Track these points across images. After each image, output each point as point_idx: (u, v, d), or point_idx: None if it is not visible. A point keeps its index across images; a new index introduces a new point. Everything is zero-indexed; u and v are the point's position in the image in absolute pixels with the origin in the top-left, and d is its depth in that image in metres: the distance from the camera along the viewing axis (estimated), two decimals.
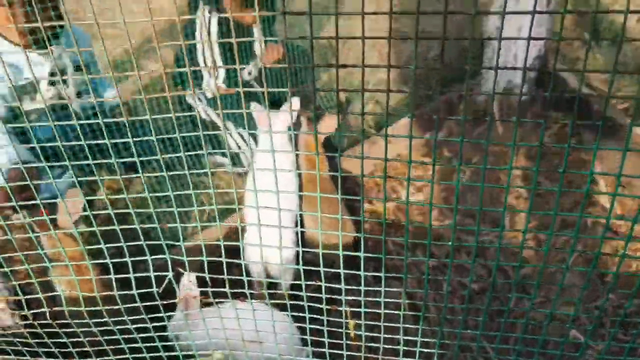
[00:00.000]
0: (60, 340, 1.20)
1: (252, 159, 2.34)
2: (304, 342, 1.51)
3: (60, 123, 0.82)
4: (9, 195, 0.99)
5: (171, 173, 0.87)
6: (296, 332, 1.55)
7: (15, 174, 1.79)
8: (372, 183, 2.42)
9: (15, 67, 2.10)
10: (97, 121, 0.79)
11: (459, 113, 2.59)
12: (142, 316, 1.13)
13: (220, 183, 2.46)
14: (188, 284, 1.55)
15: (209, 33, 2.35)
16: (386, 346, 1.15)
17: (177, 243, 1.08)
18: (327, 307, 1.06)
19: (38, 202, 0.90)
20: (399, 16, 3.25)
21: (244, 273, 1.06)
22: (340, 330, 1.19)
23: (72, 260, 1.38)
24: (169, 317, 1.38)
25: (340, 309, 1.06)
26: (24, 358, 1.27)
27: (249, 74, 2.62)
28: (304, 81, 2.79)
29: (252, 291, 1.09)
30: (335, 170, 2.22)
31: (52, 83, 2.21)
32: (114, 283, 1.04)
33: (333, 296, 1.11)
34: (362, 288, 1.00)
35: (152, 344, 1.20)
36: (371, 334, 1.17)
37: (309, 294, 1.08)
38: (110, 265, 1.02)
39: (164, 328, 1.30)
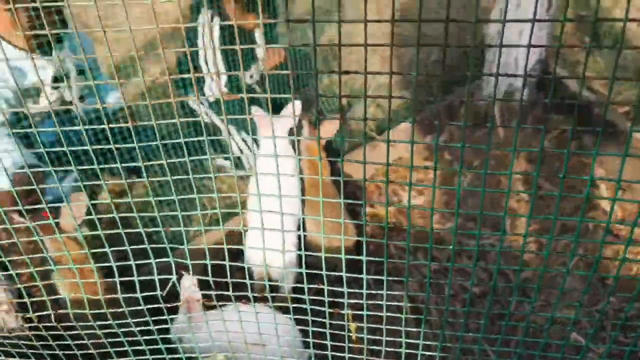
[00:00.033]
0: (64, 342, 1.21)
1: (254, 162, 2.35)
2: (306, 345, 1.52)
3: (68, 128, 0.83)
4: (13, 198, 1.00)
5: (176, 177, 0.88)
6: (298, 335, 1.55)
7: (19, 177, 1.80)
8: (374, 186, 2.43)
9: (19, 70, 2.12)
10: (103, 126, 0.80)
11: (460, 116, 2.60)
12: (146, 319, 1.14)
13: (222, 186, 2.47)
14: (190, 286, 1.56)
15: (211, 37, 2.37)
16: (388, 349, 1.16)
17: (179, 246, 1.09)
18: (330, 310, 1.07)
19: (44, 206, 0.91)
20: (400, 22, 3.25)
21: (247, 276, 1.07)
22: (342, 333, 1.19)
23: (75, 264, 1.38)
24: (172, 320, 1.39)
25: (343, 312, 1.07)
26: None
27: (251, 77, 2.64)
28: (305, 84, 2.80)
29: (255, 294, 1.10)
30: (336, 173, 2.23)
31: (55, 87, 2.23)
32: (118, 286, 1.05)
33: (335, 299, 1.12)
34: (364, 291, 1.01)
35: (155, 347, 1.20)
36: (373, 337, 1.18)
37: (310, 297, 1.08)
38: (115, 269, 1.03)
39: (167, 331, 1.31)
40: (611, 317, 1.77)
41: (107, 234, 1.01)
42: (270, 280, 1.88)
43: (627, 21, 0.60)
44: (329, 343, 1.18)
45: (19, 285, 1.10)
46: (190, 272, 1.53)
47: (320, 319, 1.16)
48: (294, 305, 1.15)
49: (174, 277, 0.99)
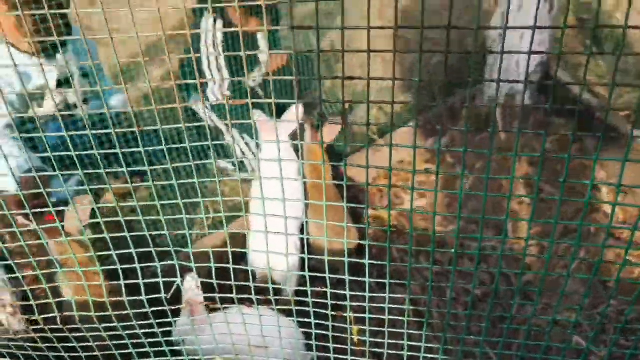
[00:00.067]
0: (67, 344, 1.22)
1: (257, 165, 2.36)
2: (309, 348, 1.52)
3: (77, 133, 0.84)
4: (18, 202, 1.01)
5: (181, 182, 0.89)
6: (301, 338, 1.56)
7: (25, 180, 1.81)
8: (375, 189, 2.44)
9: (24, 73, 2.13)
10: (109, 131, 0.81)
11: (461, 118, 2.61)
12: (150, 321, 1.14)
13: (224, 189, 2.48)
14: (192, 288, 1.57)
15: (214, 41, 2.38)
16: (390, 352, 1.16)
17: (182, 249, 1.10)
18: (333, 313, 1.08)
19: (51, 209, 0.92)
20: (402, 22, 3.27)
21: (251, 279, 1.08)
22: (344, 335, 1.20)
23: (79, 266, 1.39)
24: (174, 323, 1.40)
25: (345, 315, 1.08)
26: None
27: (254, 80, 2.65)
28: (307, 87, 2.81)
29: (258, 297, 1.11)
30: (338, 176, 2.24)
31: (59, 90, 2.24)
32: (123, 289, 1.06)
33: (337, 302, 1.13)
34: (367, 294, 1.01)
35: (160, 349, 1.21)
36: (375, 340, 1.18)
37: (313, 300, 1.09)
38: (120, 271, 1.04)
39: (169, 333, 1.31)
40: (613, 320, 1.78)
41: (110, 236, 1.01)
42: (273, 283, 1.89)
43: (627, 28, 0.61)
44: (331, 346, 1.19)
45: (24, 288, 1.11)
46: (194, 275, 1.54)
47: (322, 322, 1.17)
48: (297, 308, 1.16)
49: (178, 280, 1.00)
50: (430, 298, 1.01)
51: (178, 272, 1.04)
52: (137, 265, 1.02)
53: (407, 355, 1.15)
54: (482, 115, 2.67)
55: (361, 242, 1.08)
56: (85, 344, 1.22)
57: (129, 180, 0.92)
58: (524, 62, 2.45)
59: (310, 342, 1.23)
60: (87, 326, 1.18)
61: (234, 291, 1.07)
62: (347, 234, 1.09)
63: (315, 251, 1.99)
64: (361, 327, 1.20)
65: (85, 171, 0.87)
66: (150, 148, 0.85)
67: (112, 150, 0.86)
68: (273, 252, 1.06)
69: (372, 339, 1.15)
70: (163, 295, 1.06)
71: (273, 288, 1.55)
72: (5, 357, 1.30)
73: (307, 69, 2.76)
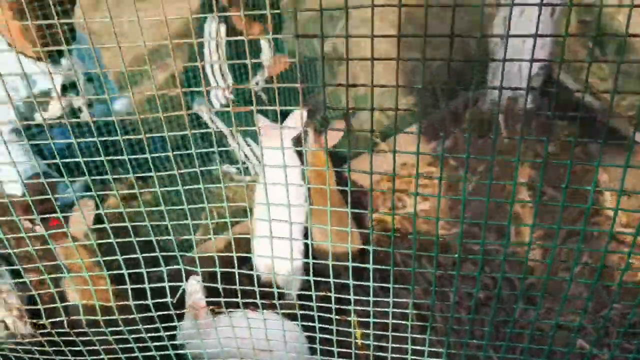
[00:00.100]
0: (74, 348, 1.23)
1: (260, 169, 2.37)
2: (312, 351, 1.53)
3: (84, 140, 0.85)
4: (24, 206, 1.02)
5: (187, 187, 0.90)
6: (305, 342, 1.57)
7: (30, 185, 1.82)
8: (378, 191, 2.44)
9: (25, 76, 2.14)
10: (117, 138, 0.82)
11: (464, 121, 2.61)
12: (156, 325, 1.15)
13: (227, 193, 2.49)
14: (195, 292, 1.58)
15: (217, 45, 2.39)
16: (394, 355, 1.17)
17: (185, 253, 1.11)
18: (337, 317, 1.09)
19: (59, 215, 0.93)
20: (404, 25, 3.28)
21: (256, 283, 1.09)
22: (348, 339, 1.21)
23: (82, 271, 1.40)
24: (176, 327, 1.40)
25: (349, 318, 1.08)
26: None
27: (256, 84, 2.66)
28: (310, 90, 2.83)
29: (263, 301, 1.12)
30: (340, 179, 2.25)
31: (63, 94, 2.26)
32: (129, 292, 1.06)
33: (340, 306, 1.13)
34: (371, 299, 1.02)
35: (165, 352, 1.22)
36: (379, 344, 1.19)
37: (317, 304, 1.10)
38: (127, 275, 1.05)
39: (173, 337, 1.32)
40: (616, 323, 1.78)
41: (109, 241, 1.02)
42: (275, 286, 1.90)
43: (628, 36, 0.62)
44: (335, 350, 1.19)
45: (32, 292, 1.12)
46: (197, 278, 1.55)
47: (325, 325, 1.17)
48: (300, 312, 1.16)
49: (184, 284, 1.01)
50: (433, 302, 1.01)
51: (184, 276, 1.05)
52: (143, 270, 1.03)
53: (411, 359, 1.16)
54: (485, 118, 2.67)
55: (365, 247, 1.09)
56: (89, 348, 1.23)
57: (135, 185, 0.93)
58: (526, 64, 2.45)
59: (314, 345, 1.23)
60: (91, 330, 1.19)
61: (239, 295, 1.08)
62: (348, 237, 1.10)
63: (318, 255, 2.00)
64: (364, 331, 1.21)
65: (93, 177, 0.88)
66: (157, 154, 0.86)
67: (120, 157, 0.87)
68: (277, 257, 1.07)
69: (376, 343, 1.15)
70: (169, 299, 1.07)
71: (275, 292, 1.56)
72: None
73: (310, 72, 2.77)
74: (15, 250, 1.06)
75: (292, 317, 1.63)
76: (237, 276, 1.06)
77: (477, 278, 0.94)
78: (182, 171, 0.88)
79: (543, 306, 1.83)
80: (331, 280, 1.04)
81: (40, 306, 1.10)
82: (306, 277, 1.09)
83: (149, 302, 1.09)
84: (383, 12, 3.50)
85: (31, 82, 2.15)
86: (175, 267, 1.06)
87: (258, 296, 1.08)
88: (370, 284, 0.99)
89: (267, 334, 1.20)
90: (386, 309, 1.06)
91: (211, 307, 1.54)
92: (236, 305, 1.13)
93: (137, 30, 0.78)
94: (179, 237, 1.00)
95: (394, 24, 3.32)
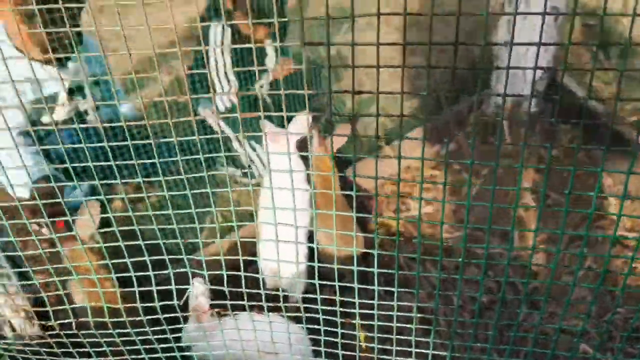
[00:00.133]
0: (82, 349, 1.24)
1: (264, 173, 2.38)
2: (317, 354, 1.54)
3: (93, 144, 0.87)
4: (31, 209, 1.03)
5: (195, 191, 0.91)
6: (309, 344, 1.58)
7: (37, 188, 1.83)
8: (381, 195, 2.45)
9: (34, 81, 2.16)
10: (126, 143, 0.83)
11: (468, 125, 2.62)
12: (162, 327, 1.16)
13: (232, 195, 2.49)
14: (198, 295, 1.59)
15: (222, 49, 2.41)
16: (398, 358, 1.18)
17: (189, 256, 1.12)
18: (342, 320, 1.09)
19: (69, 218, 0.95)
20: (409, 27, 3.29)
21: (261, 286, 1.10)
22: (351, 342, 1.21)
23: (88, 273, 1.42)
24: (180, 329, 1.41)
25: (354, 321, 1.09)
26: None
27: (261, 87, 2.67)
28: (315, 95, 2.83)
29: (269, 304, 1.13)
30: (344, 181, 2.26)
31: (70, 97, 2.27)
32: (137, 295, 1.08)
33: (343, 309, 1.14)
34: (375, 302, 1.03)
35: (171, 354, 1.23)
36: (383, 347, 1.20)
37: (319, 307, 1.11)
38: (134, 279, 1.06)
39: (178, 339, 1.33)
40: (619, 327, 1.78)
41: (117, 244, 1.03)
42: (279, 289, 1.91)
43: (631, 45, 0.62)
44: (340, 352, 1.20)
45: (41, 295, 1.13)
46: (200, 281, 1.56)
47: (330, 329, 1.18)
48: (302, 314, 1.17)
49: (190, 288, 1.02)
50: (437, 306, 1.02)
51: (190, 280, 1.06)
52: (150, 273, 1.04)
53: None
54: (489, 122, 2.68)
55: (370, 251, 1.10)
56: (94, 350, 1.24)
57: (143, 189, 0.94)
58: (530, 71, 2.46)
59: (318, 348, 1.24)
60: (93, 332, 1.20)
61: (245, 298, 1.09)
62: (352, 239, 1.10)
63: (322, 258, 2.01)
64: (368, 334, 1.22)
65: (102, 182, 0.89)
66: (164, 160, 0.87)
67: (129, 162, 0.88)
68: (282, 261, 1.08)
69: (380, 346, 1.16)
70: (175, 302, 1.08)
71: (279, 295, 1.57)
72: None
73: (315, 75, 2.77)
74: (22, 253, 1.07)
75: (296, 320, 1.63)
76: (243, 279, 1.07)
77: (481, 282, 0.94)
78: (190, 175, 0.89)
79: (546, 310, 1.83)
80: (336, 284, 1.05)
81: (48, 308, 1.12)
82: (311, 281, 1.10)
83: (156, 304, 1.10)
84: (388, 16, 3.50)
85: (39, 85, 2.17)
86: (181, 270, 1.07)
87: (264, 299, 1.09)
88: (375, 287, 1.00)
89: (272, 337, 1.21)
90: (390, 312, 1.07)
91: (215, 309, 1.55)
92: (240, 308, 1.14)
93: (142, 34, 0.79)
94: (185, 240, 1.01)
95: (398, 28, 3.33)
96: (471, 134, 2.40)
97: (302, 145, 2.23)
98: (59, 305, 1.16)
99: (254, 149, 2.55)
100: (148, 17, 0.77)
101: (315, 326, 1.18)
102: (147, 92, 3.01)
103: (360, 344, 1.23)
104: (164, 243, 1.02)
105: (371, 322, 1.12)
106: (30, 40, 2.12)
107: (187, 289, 1.42)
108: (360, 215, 0.87)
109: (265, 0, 2.25)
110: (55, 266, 1.07)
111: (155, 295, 1.09)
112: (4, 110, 0.91)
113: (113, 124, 0.85)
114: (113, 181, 0.92)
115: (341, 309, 1.10)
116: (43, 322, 1.26)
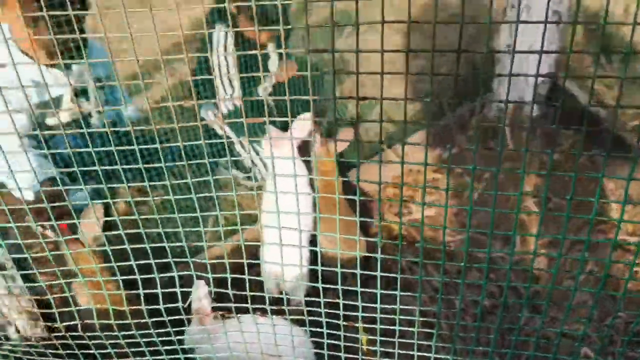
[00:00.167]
0: (86, 351, 1.25)
1: (267, 176, 2.39)
2: (319, 357, 1.54)
3: (100, 149, 0.88)
4: (35, 211, 1.04)
5: (200, 195, 0.92)
6: (312, 347, 1.58)
7: (43, 190, 1.84)
8: (383, 197, 2.46)
9: (39, 84, 2.17)
10: (132, 147, 0.84)
11: (470, 128, 2.63)
12: (167, 329, 1.17)
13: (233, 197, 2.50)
14: (200, 297, 1.59)
15: (225, 52, 2.42)
16: None
17: (191, 259, 1.12)
18: (344, 323, 1.10)
19: (75, 220, 0.96)
20: (411, 31, 3.31)
21: (265, 289, 1.11)
22: (353, 345, 1.22)
23: (91, 275, 1.43)
24: (182, 332, 1.42)
25: (356, 325, 1.10)
26: None
27: (264, 90, 2.68)
28: (318, 95, 2.84)
29: (272, 307, 1.13)
30: (346, 184, 2.26)
31: (74, 100, 2.29)
32: (142, 297, 1.09)
33: (345, 312, 1.15)
34: (378, 305, 1.04)
35: (175, 356, 1.24)
36: (385, 350, 1.20)
37: (320, 310, 1.11)
38: (140, 281, 1.07)
39: (181, 342, 1.34)
40: (620, 331, 1.78)
41: (121, 246, 1.04)
42: (281, 292, 1.91)
43: (632, 53, 0.63)
44: (342, 355, 1.21)
45: (48, 297, 1.14)
46: (202, 283, 1.57)
47: (332, 332, 1.19)
48: (303, 317, 1.18)
49: (195, 291, 1.02)
50: (439, 309, 1.03)
51: (195, 282, 1.07)
52: (156, 275, 1.05)
53: None
54: (491, 124, 2.68)
55: (373, 254, 1.11)
56: (96, 352, 1.24)
57: (149, 192, 0.95)
58: (532, 71, 2.46)
59: (320, 351, 1.25)
60: (95, 334, 1.21)
61: (249, 301, 1.10)
62: (354, 242, 1.11)
63: (323, 260, 2.01)
64: (370, 337, 1.22)
65: (110, 185, 0.90)
66: (169, 164, 0.88)
67: (136, 166, 0.89)
68: (285, 264, 1.09)
69: (382, 349, 1.17)
70: (180, 305, 1.09)
71: (281, 298, 1.58)
72: None
73: (317, 78, 2.78)
74: (28, 255, 1.08)
75: (299, 323, 1.64)
76: (247, 282, 1.08)
77: (483, 286, 0.95)
78: (195, 179, 0.90)
79: (548, 314, 1.83)
80: (339, 287, 1.05)
81: (54, 310, 1.13)
82: (314, 284, 1.10)
83: (160, 306, 1.11)
84: (390, 19, 3.52)
85: (42, 88, 2.18)
86: (185, 272, 1.08)
87: (267, 301, 1.10)
88: (378, 291, 1.01)
89: (271, 339, 1.21)
90: (393, 316, 1.08)
91: (217, 312, 1.56)
92: (243, 311, 1.15)
93: (146, 37, 0.80)
94: (190, 243, 1.02)
95: (399, 30, 3.35)
96: (473, 137, 2.41)
97: (304, 147, 2.24)
98: (64, 307, 1.17)
99: (256, 152, 2.56)
100: (151, 20, 0.78)
101: (317, 329, 1.19)
102: (150, 94, 3.02)
103: (362, 347, 1.24)
104: (167, 245, 1.03)
105: (374, 326, 1.12)
106: (35, 44, 2.13)
107: (190, 291, 1.43)
108: (364, 219, 0.88)
109: (268, 4, 2.26)
110: (55, 268, 1.08)
111: (160, 297, 1.10)
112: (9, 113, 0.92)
113: (122, 129, 0.86)
114: (121, 184, 0.93)
115: (344, 312, 1.11)
116: (49, 324, 1.27)
